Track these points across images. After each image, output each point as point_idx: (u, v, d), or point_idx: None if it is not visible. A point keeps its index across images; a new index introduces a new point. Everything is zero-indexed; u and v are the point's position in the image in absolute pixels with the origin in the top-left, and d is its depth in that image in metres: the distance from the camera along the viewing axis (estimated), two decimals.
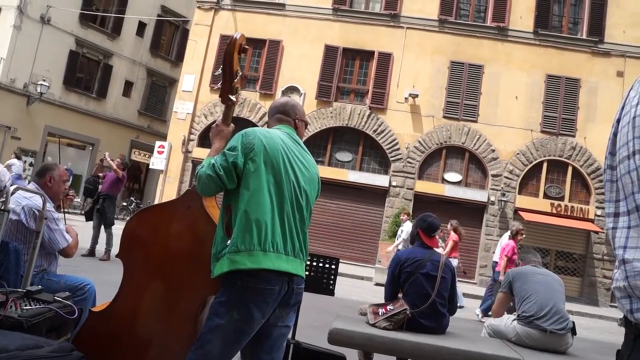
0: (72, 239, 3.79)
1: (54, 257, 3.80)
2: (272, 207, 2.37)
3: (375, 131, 17.95)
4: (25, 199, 3.61)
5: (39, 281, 3.46)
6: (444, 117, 17.77)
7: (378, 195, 17.76)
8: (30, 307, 2.75)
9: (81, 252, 9.27)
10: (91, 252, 9.65)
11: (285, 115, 2.73)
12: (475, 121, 17.62)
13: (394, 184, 17.59)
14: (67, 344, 2.55)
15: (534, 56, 17.71)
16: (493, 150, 17.39)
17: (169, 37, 27.68)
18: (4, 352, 2.17)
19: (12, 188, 3.26)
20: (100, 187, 10.30)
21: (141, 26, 25.71)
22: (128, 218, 16.24)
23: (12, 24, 20.80)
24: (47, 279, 3.57)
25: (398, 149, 17.75)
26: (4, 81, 20.55)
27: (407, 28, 18.32)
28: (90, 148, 24.35)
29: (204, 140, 19.03)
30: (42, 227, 3.45)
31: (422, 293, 4.17)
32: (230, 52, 2.61)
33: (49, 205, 3.58)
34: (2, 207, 3.09)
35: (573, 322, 4.36)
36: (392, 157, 17.76)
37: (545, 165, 17.32)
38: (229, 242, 2.33)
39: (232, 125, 2.76)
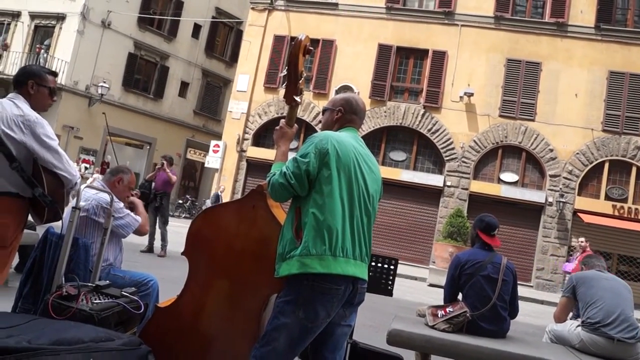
0: (140, 218, 3.94)
1: (119, 252, 3.92)
2: (344, 213, 2.38)
3: (429, 130, 17.73)
4: (93, 196, 3.73)
5: (106, 276, 3.58)
6: (500, 115, 17.38)
7: (432, 195, 17.54)
8: (99, 301, 2.84)
9: (140, 249, 9.57)
10: (149, 249, 9.94)
11: (358, 117, 2.72)
12: (533, 120, 17.16)
13: (448, 183, 17.33)
14: (135, 338, 2.62)
15: (596, 52, 17.09)
16: (551, 150, 16.89)
17: (224, 38, 28.14)
18: (80, 343, 2.26)
19: (81, 186, 3.37)
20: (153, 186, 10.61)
21: (196, 28, 26.27)
22: (184, 216, 16.64)
23: (75, 29, 21.66)
24: (113, 274, 3.68)
25: (453, 149, 17.48)
26: (68, 83, 21.38)
27: (462, 26, 18.01)
28: (148, 147, 25.05)
29: (259, 139, 19.28)
30: (109, 223, 3.56)
31: (482, 296, 4.08)
32: (296, 53, 2.61)
33: (116, 202, 3.69)
34: (74, 205, 3.20)
35: None
36: (446, 156, 17.51)
37: (606, 165, 16.69)
38: (298, 244, 2.34)
39: (295, 126, 2.75)
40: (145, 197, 10.56)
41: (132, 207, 4.07)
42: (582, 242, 10.86)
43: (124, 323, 2.89)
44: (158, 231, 10.11)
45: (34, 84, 3.18)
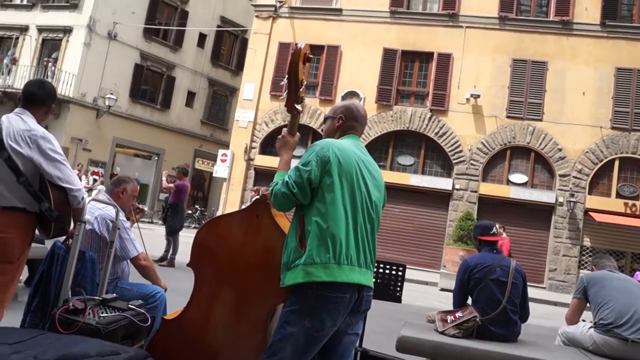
0: (142, 251, 3.89)
1: (126, 265, 3.93)
2: (347, 221, 2.38)
3: (437, 134, 17.69)
4: (98, 209, 3.74)
5: (113, 289, 3.59)
6: (508, 116, 17.30)
7: (441, 198, 17.47)
8: (106, 315, 2.85)
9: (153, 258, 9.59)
10: (162, 259, 10.00)
11: (359, 124, 2.72)
12: (541, 120, 17.07)
13: (457, 187, 17.26)
14: (142, 351, 2.62)
15: (602, 49, 16.98)
16: (560, 150, 16.78)
17: (229, 46, 28.27)
18: (85, 358, 2.26)
19: (87, 200, 3.38)
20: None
21: (202, 37, 26.41)
22: (193, 226, 16.67)
23: (82, 42, 21.85)
24: (120, 287, 3.69)
25: (461, 151, 17.42)
26: (76, 96, 21.54)
27: (467, 27, 17.97)
28: (156, 158, 25.16)
29: (266, 147, 19.30)
30: (115, 236, 3.57)
31: (492, 299, 4.06)
32: (296, 61, 2.62)
33: (121, 216, 3.70)
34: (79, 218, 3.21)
35: None
36: (454, 159, 17.44)
37: (617, 163, 16.54)
38: (302, 252, 2.33)
39: (297, 134, 2.75)
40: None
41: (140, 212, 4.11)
42: None
43: (131, 336, 2.90)
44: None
45: (52, 107, 3.25)
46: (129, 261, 3.94)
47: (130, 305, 3.00)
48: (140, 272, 3.93)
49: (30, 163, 3.02)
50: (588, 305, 4.46)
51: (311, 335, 2.32)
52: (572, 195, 16.29)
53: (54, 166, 3.05)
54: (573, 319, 4.62)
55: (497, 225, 11.93)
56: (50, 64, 22.56)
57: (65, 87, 21.02)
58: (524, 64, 17.41)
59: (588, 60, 16.98)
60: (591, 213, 16.13)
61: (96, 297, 3.03)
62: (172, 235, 10.19)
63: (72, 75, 21.41)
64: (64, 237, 3.25)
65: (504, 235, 11.96)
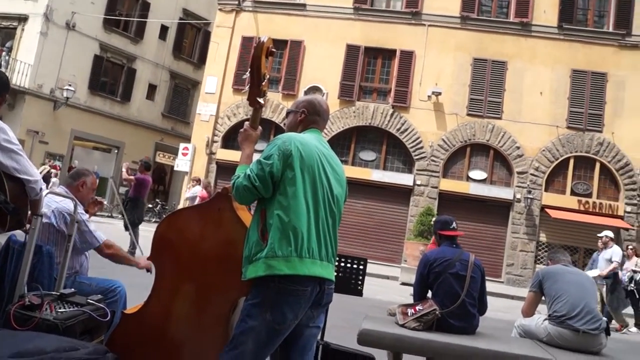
0: (104, 239, 3.80)
1: (85, 259, 3.85)
2: (309, 214, 2.39)
3: (398, 130, 17.87)
4: (55, 202, 3.65)
5: (72, 284, 3.51)
6: (468, 114, 17.62)
7: (402, 194, 17.68)
8: (64, 310, 2.79)
9: None
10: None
11: (321, 119, 2.73)
12: (500, 118, 17.44)
13: (418, 182, 17.49)
14: (101, 346, 2.58)
15: (559, 51, 17.45)
16: (518, 147, 17.19)
17: (191, 39, 27.89)
18: (42, 354, 2.21)
19: (44, 192, 3.30)
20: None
21: (163, 30, 25.96)
22: (154, 220, 16.42)
23: (38, 31, 21.18)
24: (79, 282, 3.61)
25: (422, 148, 17.65)
26: (32, 87, 20.91)
27: (429, 25, 18.20)
28: (116, 151, 24.68)
29: (228, 141, 19.16)
30: (73, 230, 3.49)
31: (451, 293, 4.14)
32: (258, 55, 2.62)
33: (80, 209, 3.62)
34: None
35: (607, 322, 4.28)
36: (416, 155, 17.66)
37: (572, 161, 17.06)
38: (264, 246, 2.34)
39: (259, 128, 2.75)
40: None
41: (98, 206, 4.02)
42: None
43: (90, 331, 2.84)
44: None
45: (5, 98, 3.15)
46: (87, 255, 3.87)
47: (89, 300, 2.95)
48: (111, 260, 3.84)
49: None
50: (543, 298, 4.60)
51: (273, 328, 2.33)
52: (529, 192, 16.72)
53: (9, 157, 2.97)
54: (529, 311, 4.76)
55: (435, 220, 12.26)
56: (4, 53, 21.81)
57: (20, 77, 20.38)
58: (485, 63, 17.75)
59: (545, 61, 17.42)
60: (547, 210, 16.60)
61: (53, 292, 2.97)
62: (129, 228, 10.02)
63: (27, 65, 20.75)
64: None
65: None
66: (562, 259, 4.82)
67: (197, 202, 11.34)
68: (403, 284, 12.93)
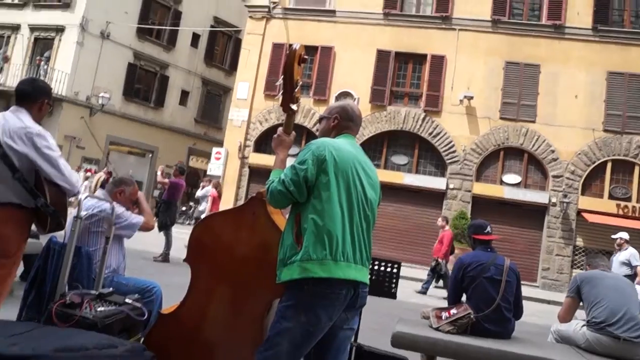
0: (142, 217, 3.95)
1: (122, 259, 3.93)
2: (343, 218, 2.40)
3: (430, 134, 17.74)
4: (94, 204, 3.74)
5: (110, 283, 3.59)
6: (501, 118, 17.37)
7: (435, 197, 17.52)
8: (103, 309, 2.85)
9: (144, 256, 9.57)
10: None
11: (354, 124, 2.74)
12: (534, 121, 17.15)
13: (451, 186, 17.32)
14: (139, 345, 2.63)
15: (594, 53, 17.08)
16: (553, 151, 16.87)
17: (222, 46, 28.22)
18: (83, 350, 2.26)
19: (83, 196, 3.39)
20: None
21: (195, 37, 26.34)
22: (187, 222, 16.63)
23: (75, 41, 21.74)
24: (116, 282, 3.69)
25: (454, 152, 17.48)
26: (69, 95, 21.45)
27: (460, 30, 18.03)
28: (150, 155, 25.10)
29: (260, 146, 19.31)
30: (111, 232, 3.57)
31: (486, 297, 4.10)
32: (291, 63, 2.65)
33: (117, 209, 3.70)
34: (76, 215, 3.22)
35: None
36: (448, 159, 17.50)
37: (609, 165, 16.66)
38: (299, 249, 2.36)
39: (293, 133, 2.78)
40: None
41: (136, 204, 4.13)
42: None
43: (127, 330, 2.90)
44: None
45: (46, 102, 3.28)
46: (124, 255, 3.95)
47: (126, 300, 3.01)
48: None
49: (26, 159, 3.04)
50: (581, 304, 4.51)
51: (307, 330, 2.34)
52: (565, 196, 16.39)
53: (49, 163, 3.07)
54: (566, 317, 4.66)
55: (440, 218, 12.38)
56: (42, 62, 22.44)
57: (58, 85, 20.92)
58: (517, 67, 17.50)
59: (580, 63, 17.07)
60: (584, 214, 16.24)
61: (93, 292, 3.04)
62: (163, 230, 10.19)
63: (64, 74, 21.31)
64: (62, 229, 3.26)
65: (447, 228, 12.30)
66: (601, 264, 4.72)
67: (208, 200, 11.96)
68: (436, 287, 12.80)
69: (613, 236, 10.27)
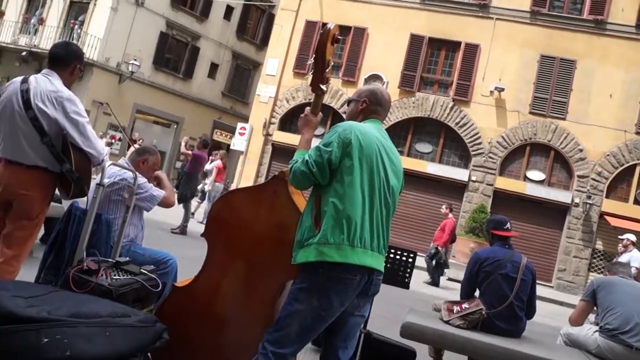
0: (165, 191, 3.97)
1: (140, 230, 3.98)
2: (364, 204, 2.39)
3: (457, 124, 17.54)
4: (117, 173, 3.78)
5: (127, 252, 3.63)
6: (531, 112, 17.09)
7: (456, 189, 17.39)
8: (118, 277, 2.89)
9: (162, 227, 9.70)
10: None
11: (382, 109, 2.72)
12: (564, 119, 16.83)
13: (473, 178, 17.16)
14: (151, 315, 2.67)
15: (634, 52, 16.61)
16: (581, 150, 16.57)
17: (255, 21, 28.12)
18: (97, 317, 2.31)
19: (107, 164, 3.43)
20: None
21: (228, 10, 26.27)
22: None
23: (109, 6, 21.85)
24: (133, 251, 3.73)
25: (480, 143, 17.28)
26: (100, 60, 21.64)
27: (497, 19, 17.69)
28: (175, 126, 25.28)
29: (285, 124, 19.30)
30: (132, 201, 3.61)
31: (499, 294, 4.07)
32: (324, 42, 2.61)
33: (139, 179, 3.74)
34: (98, 182, 3.26)
35: None
36: (473, 151, 17.31)
37: (638, 169, 16.32)
38: (317, 232, 2.35)
39: (320, 114, 2.76)
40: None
41: (158, 181, 4.15)
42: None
43: (141, 300, 2.94)
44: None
45: (78, 67, 3.30)
46: (143, 225, 3.99)
47: (142, 270, 3.05)
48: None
49: (55, 124, 3.07)
50: (595, 308, 4.45)
51: (318, 314, 2.35)
52: (589, 197, 16.12)
53: (77, 129, 3.10)
54: (578, 320, 4.62)
55: (444, 206, 12.28)
56: (76, 26, 22.63)
57: (90, 50, 21.10)
58: (552, 61, 17.14)
59: (619, 62, 16.64)
60: (606, 216, 15.98)
61: (110, 260, 3.08)
62: (182, 202, 10.29)
63: (97, 39, 21.48)
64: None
65: (450, 216, 12.22)
66: (620, 271, 4.65)
67: (214, 172, 12.38)
68: (450, 279, 12.78)
69: (620, 237, 10.21)
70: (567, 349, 4.36)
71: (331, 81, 16.80)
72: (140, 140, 18.53)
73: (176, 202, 10.18)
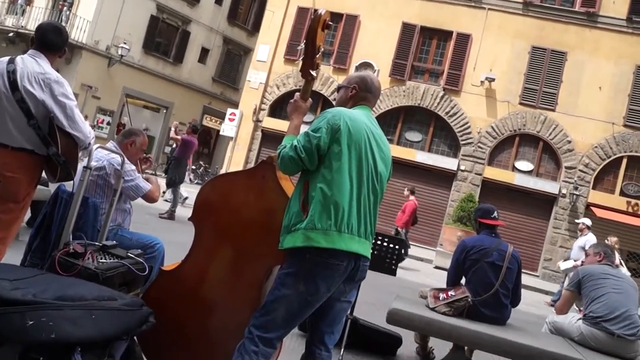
0: (151, 185, 3.95)
1: (128, 214, 3.96)
2: (351, 190, 2.39)
3: (447, 113, 17.58)
4: (105, 156, 3.76)
5: (114, 236, 3.62)
6: (520, 103, 17.17)
7: (445, 178, 17.47)
8: (105, 261, 2.87)
9: (150, 211, 9.66)
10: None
11: (372, 96, 2.71)
12: (553, 110, 16.93)
13: (462, 168, 17.24)
14: (137, 299, 2.66)
15: (625, 45, 16.70)
16: (569, 142, 16.69)
17: (247, 6, 27.91)
18: (82, 300, 2.30)
19: (94, 147, 3.40)
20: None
21: None
22: (196, 181, 16.79)
23: None
24: (120, 235, 3.72)
25: (469, 133, 17.34)
26: (89, 43, 21.40)
27: (489, 9, 17.70)
28: (165, 111, 25.13)
29: (275, 110, 19.24)
30: (119, 185, 3.59)
31: (485, 282, 4.12)
32: (315, 27, 2.60)
33: (127, 164, 3.72)
34: (85, 165, 3.23)
35: None
36: (462, 140, 17.38)
37: (624, 161, 16.47)
38: (304, 217, 2.36)
39: (309, 100, 2.75)
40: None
41: (146, 162, 4.14)
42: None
43: (127, 284, 2.93)
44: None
45: (65, 50, 3.27)
46: (131, 210, 3.98)
47: (129, 254, 3.03)
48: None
49: (42, 106, 3.03)
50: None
51: (305, 299, 2.36)
52: (576, 188, 16.27)
53: (64, 111, 3.07)
54: (563, 309, 4.68)
55: (406, 189, 12.45)
56: (65, 8, 22.31)
57: (78, 32, 20.86)
58: (543, 52, 17.19)
59: (609, 54, 16.73)
60: (592, 208, 16.13)
61: (96, 243, 3.06)
62: (170, 187, 10.26)
63: (86, 22, 21.21)
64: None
65: (412, 198, 12.39)
66: (608, 254, 4.64)
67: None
68: (437, 267, 12.88)
69: (577, 220, 10.55)
70: (551, 336, 4.41)
71: (322, 68, 16.70)
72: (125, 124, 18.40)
73: (165, 186, 10.19)
